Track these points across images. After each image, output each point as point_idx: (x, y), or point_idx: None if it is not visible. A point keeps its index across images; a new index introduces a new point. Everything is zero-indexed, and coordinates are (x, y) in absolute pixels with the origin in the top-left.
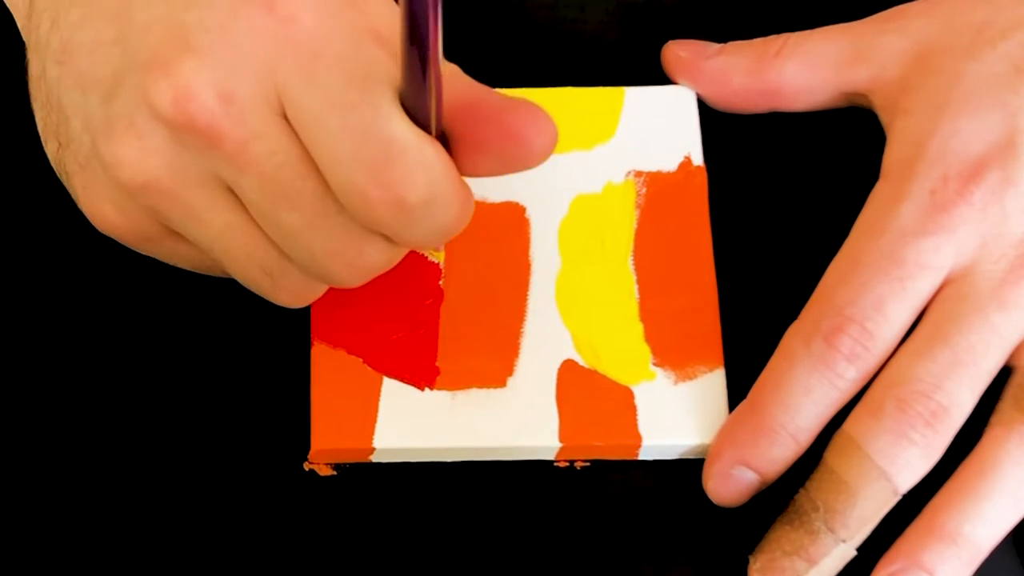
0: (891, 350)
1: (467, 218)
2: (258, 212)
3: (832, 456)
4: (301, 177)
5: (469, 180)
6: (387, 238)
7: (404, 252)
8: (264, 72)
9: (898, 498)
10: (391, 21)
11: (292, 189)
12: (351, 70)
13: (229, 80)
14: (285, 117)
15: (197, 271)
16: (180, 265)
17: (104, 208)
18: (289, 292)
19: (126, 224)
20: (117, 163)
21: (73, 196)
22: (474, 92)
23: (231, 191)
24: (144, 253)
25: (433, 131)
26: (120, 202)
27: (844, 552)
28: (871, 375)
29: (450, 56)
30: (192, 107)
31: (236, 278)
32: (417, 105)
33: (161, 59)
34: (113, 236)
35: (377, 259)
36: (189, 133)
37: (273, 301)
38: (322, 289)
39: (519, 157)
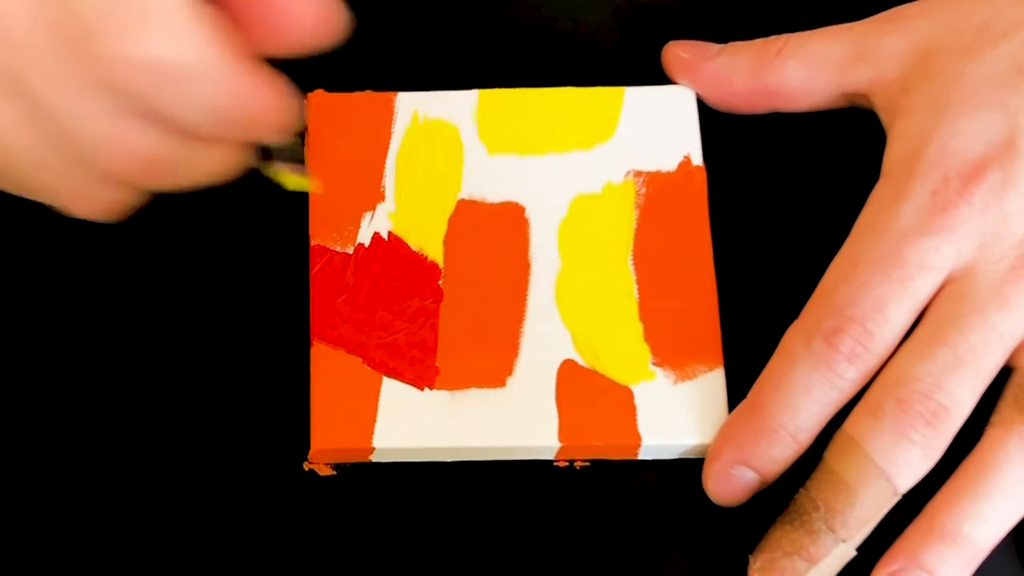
0: (891, 350)
1: (243, 93)
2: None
3: (832, 456)
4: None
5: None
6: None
7: (196, 156)
8: None
9: (898, 498)
10: None
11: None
12: None
13: None
14: None
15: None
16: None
17: None
18: (78, 198)
19: None
20: None
21: None
22: None
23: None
24: None
25: None
26: None
27: (844, 552)
28: (871, 375)
29: (451, 55)
30: None
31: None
32: None
33: None
34: None
35: (151, 150)
36: None
37: (71, 211)
38: (120, 198)
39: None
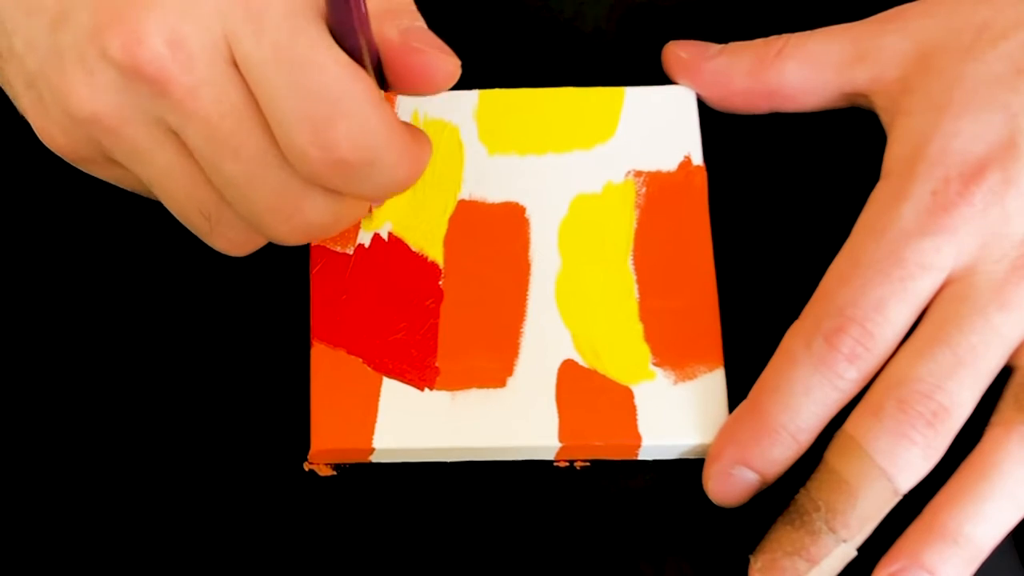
0: (892, 350)
1: (414, 175)
2: (201, 157)
3: (833, 456)
4: (246, 128)
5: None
6: (330, 193)
7: (348, 215)
8: (214, 20)
9: (899, 498)
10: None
11: (236, 139)
12: (298, 24)
13: (179, 26)
14: (235, 65)
15: (138, 193)
16: (122, 186)
17: (52, 130)
18: (226, 239)
19: (71, 147)
20: (66, 94)
21: (18, 108)
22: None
23: (176, 134)
24: (86, 172)
25: (368, 70)
26: (67, 127)
27: (845, 552)
28: (872, 375)
29: None
30: (141, 52)
31: (175, 215)
32: (348, 46)
33: (110, 2)
34: (58, 154)
35: (316, 218)
36: (137, 78)
37: (210, 245)
38: (261, 241)
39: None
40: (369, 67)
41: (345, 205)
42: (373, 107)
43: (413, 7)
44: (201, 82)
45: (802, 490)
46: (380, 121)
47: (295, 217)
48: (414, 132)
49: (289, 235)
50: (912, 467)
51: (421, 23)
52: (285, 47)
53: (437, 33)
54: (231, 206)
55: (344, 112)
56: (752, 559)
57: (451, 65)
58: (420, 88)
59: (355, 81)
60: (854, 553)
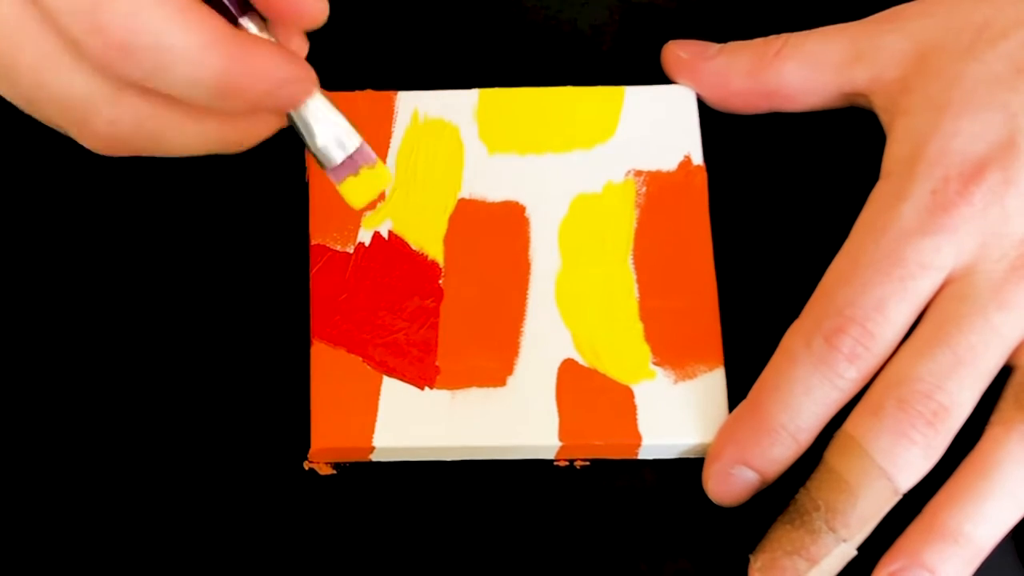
0: (891, 350)
1: (232, 73)
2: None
3: (833, 455)
4: (18, 45)
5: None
6: (137, 94)
7: (169, 123)
8: None
9: (898, 497)
10: None
11: (12, 56)
12: None
13: None
14: None
15: None
16: None
17: None
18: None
19: None
20: None
21: None
22: None
23: None
24: None
25: None
26: None
27: (845, 551)
28: (871, 375)
29: (451, 55)
30: None
31: None
32: None
33: None
34: None
35: (122, 119)
36: None
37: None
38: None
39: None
40: None
41: (158, 108)
42: None
43: None
44: None
45: (802, 489)
46: (163, 6)
47: (99, 119)
48: (239, 34)
49: (104, 145)
50: (912, 467)
51: None
52: None
53: (436, 34)
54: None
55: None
56: (752, 558)
57: (317, 6)
58: (290, 23)
59: None
60: (854, 552)
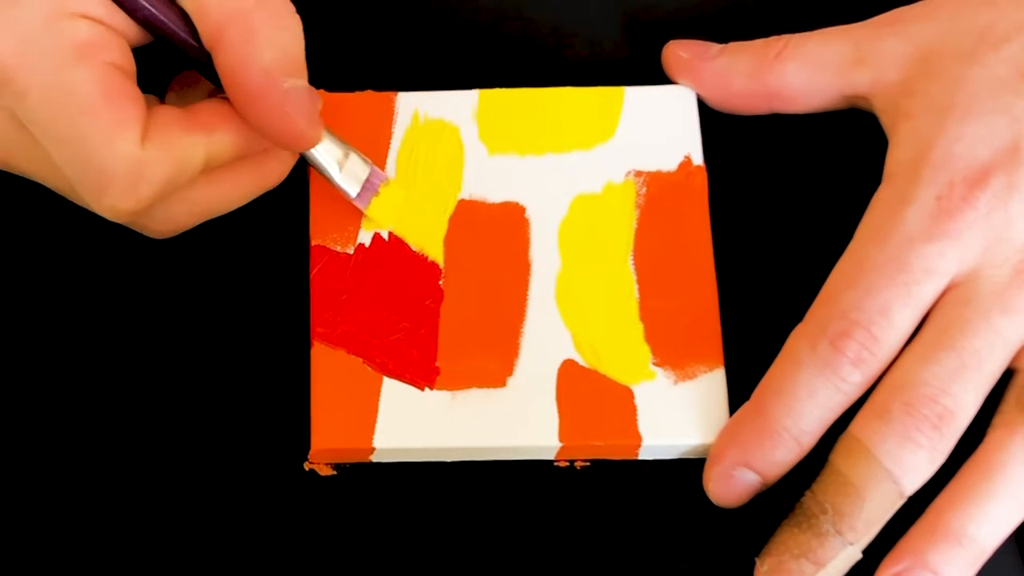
0: (895, 354)
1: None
2: None
3: (839, 458)
4: (66, 181)
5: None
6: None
7: (186, 211)
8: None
9: (904, 500)
10: (88, 25)
11: (62, 189)
12: (57, 104)
13: None
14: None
15: None
16: None
17: None
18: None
19: None
20: None
21: None
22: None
23: None
24: None
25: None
26: None
27: (851, 554)
28: (875, 379)
29: (451, 55)
30: None
31: None
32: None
33: None
34: None
35: (159, 226)
36: None
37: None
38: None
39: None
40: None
41: (196, 195)
42: (137, 158)
43: (304, 64)
44: (11, 153)
45: (808, 493)
46: (151, 164)
47: (151, 227)
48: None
49: (166, 234)
50: (917, 470)
51: (305, 83)
52: (49, 129)
53: (436, 34)
54: None
55: (112, 177)
56: (758, 561)
57: (313, 137)
58: (278, 144)
59: (115, 141)
60: (859, 555)
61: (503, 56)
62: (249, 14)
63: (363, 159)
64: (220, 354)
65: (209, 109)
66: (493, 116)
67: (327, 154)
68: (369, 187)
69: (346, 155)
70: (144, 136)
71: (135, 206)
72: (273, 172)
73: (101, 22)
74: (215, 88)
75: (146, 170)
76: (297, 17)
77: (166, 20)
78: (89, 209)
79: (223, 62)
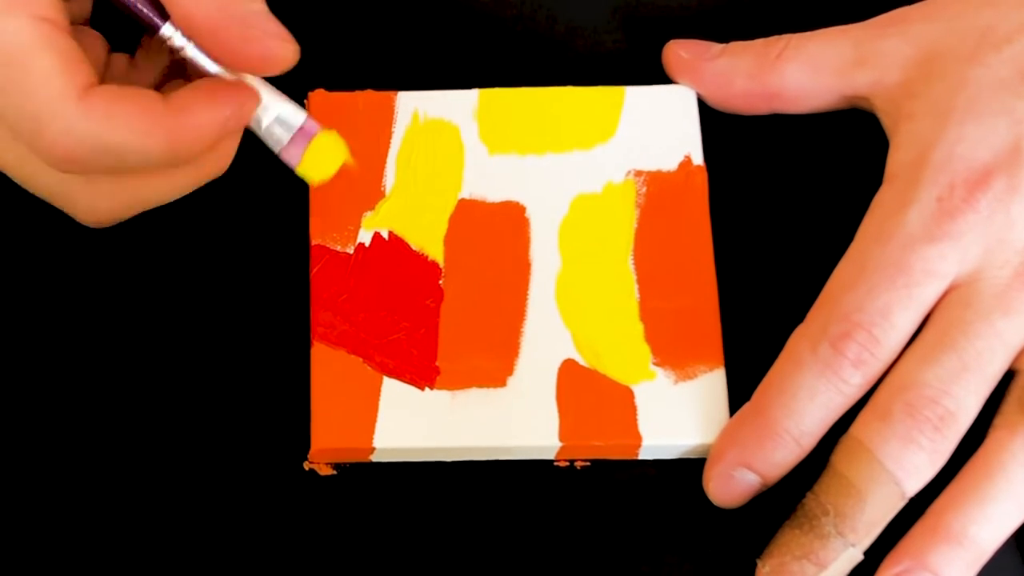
0: (895, 355)
1: (178, 146)
2: None
3: (841, 460)
4: (2, 148)
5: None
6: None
7: (145, 191)
8: None
9: (905, 502)
10: None
11: (5, 148)
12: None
13: None
14: None
15: None
16: None
17: None
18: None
19: None
20: None
21: None
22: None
23: None
24: None
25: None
26: None
27: (852, 556)
28: (875, 380)
29: (451, 55)
30: None
31: None
32: None
33: None
34: None
35: (103, 202)
36: None
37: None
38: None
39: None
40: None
41: (130, 183)
42: (79, 103)
43: None
44: None
45: (809, 494)
46: (92, 115)
47: (79, 205)
48: (170, 104)
49: (94, 222)
50: (919, 471)
51: (260, 5)
52: None
53: (436, 34)
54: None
55: (48, 119)
56: (760, 563)
57: (287, 51)
58: (256, 71)
59: (48, 86)
60: (861, 557)
61: (503, 55)
62: None
63: (299, 111)
64: (220, 354)
65: (181, 95)
66: (493, 116)
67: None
68: (301, 139)
69: (280, 106)
70: (88, 90)
71: (66, 152)
72: (213, 162)
73: None
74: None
75: (79, 118)
76: None
77: None
78: (26, 176)
79: (177, 8)
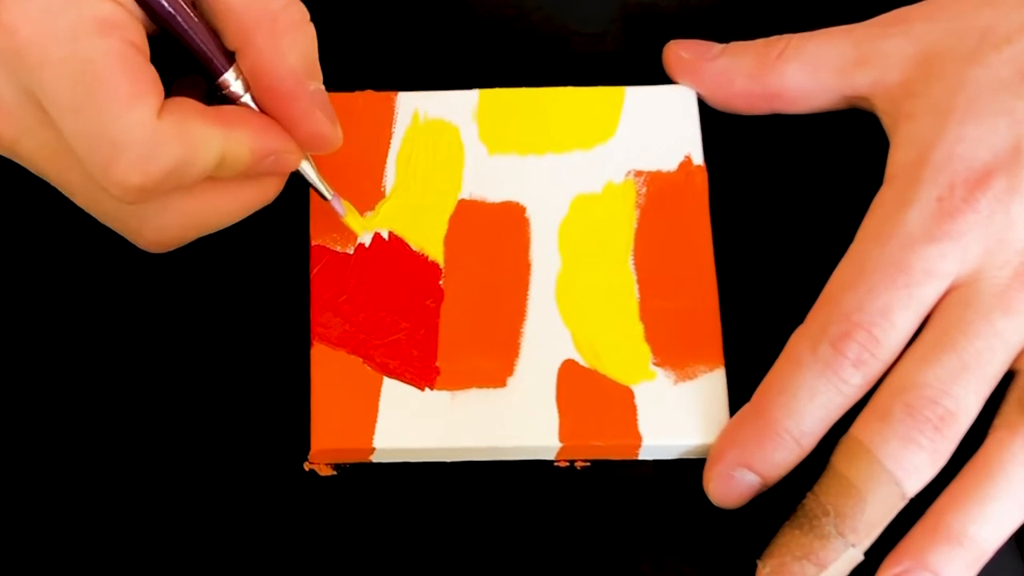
0: (895, 356)
1: (259, 148)
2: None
3: (841, 460)
4: (66, 167)
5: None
6: (170, 202)
7: (213, 211)
8: (14, 78)
9: (905, 502)
10: (110, 5)
11: (62, 177)
12: (75, 74)
13: None
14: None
15: None
16: None
17: None
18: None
19: None
20: None
21: None
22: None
23: None
24: None
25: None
26: None
27: (853, 556)
28: (875, 381)
29: (451, 55)
30: None
31: None
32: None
33: None
34: None
35: (169, 227)
36: None
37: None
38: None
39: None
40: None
41: (197, 201)
42: (151, 130)
43: (319, 67)
44: (21, 131)
45: (809, 494)
46: (165, 141)
47: (144, 232)
48: (226, 117)
49: (157, 246)
50: (919, 471)
51: (321, 86)
52: (64, 99)
53: (436, 34)
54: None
55: (122, 149)
56: (760, 563)
57: (336, 137)
58: (304, 147)
59: (131, 111)
60: (861, 557)
61: (503, 56)
62: (275, 17)
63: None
64: (220, 354)
65: (229, 110)
66: (493, 116)
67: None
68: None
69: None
70: (161, 111)
71: (143, 181)
72: (271, 187)
73: (122, 4)
74: (215, 94)
75: (159, 143)
76: (312, 24)
77: (184, 21)
78: (90, 199)
79: (253, 63)
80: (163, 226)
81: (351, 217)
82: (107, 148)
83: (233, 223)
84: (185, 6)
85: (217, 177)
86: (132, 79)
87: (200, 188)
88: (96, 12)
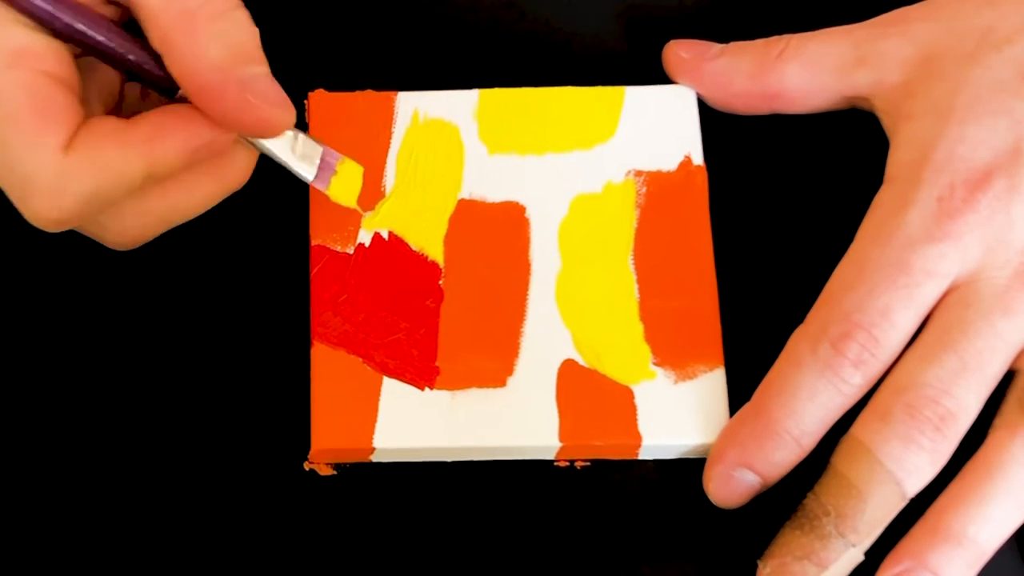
0: (896, 356)
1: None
2: None
3: (841, 460)
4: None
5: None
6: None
7: (149, 217)
8: None
9: (905, 502)
10: (26, 33)
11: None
12: None
13: None
14: None
15: None
16: None
17: None
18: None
19: None
20: None
21: None
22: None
23: None
24: None
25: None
26: None
27: (853, 556)
28: (875, 381)
29: (451, 55)
30: None
31: None
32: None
33: None
34: None
35: (115, 237)
36: None
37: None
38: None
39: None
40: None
41: (152, 203)
42: (58, 167)
43: (260, 53)
44: None
45: (810, 495)
46: (74, 175)
47: (107, 236)
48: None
49: (123, 246)
50: (920, 471)
51: (262, 68)
52: None
53: (436, 34)
54: None
55: (32, 185)
56: (760, 564)
57: (282, 119)
58: (250, 135)
59: (36, 148)
60: (861, 557)
61: (503, 55)
62: (193, 14)
63: (314, 140)
64: (220, 354)
65: (152, 120)
66: (493, 116)
67: (277, 140)
68: (326, 167)
69: (296, 137)
70: (69, 146)
71: (58, 215)
72: (233, 174)
73: (42, 31)
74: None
75: (67, 178)
76: (244, 9)
77: (91, 32)
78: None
79: (174, 66)
80: (123, 229)
81: (334, 189)
82: (19, 183)
83: (201, 213)
84: (97, 23)
85: (160, 180)
86: (39, 114)
87: (152, 191)
88: (9, 43)
